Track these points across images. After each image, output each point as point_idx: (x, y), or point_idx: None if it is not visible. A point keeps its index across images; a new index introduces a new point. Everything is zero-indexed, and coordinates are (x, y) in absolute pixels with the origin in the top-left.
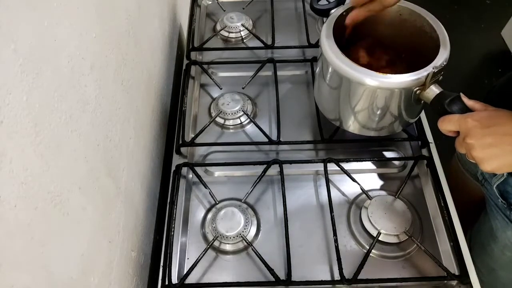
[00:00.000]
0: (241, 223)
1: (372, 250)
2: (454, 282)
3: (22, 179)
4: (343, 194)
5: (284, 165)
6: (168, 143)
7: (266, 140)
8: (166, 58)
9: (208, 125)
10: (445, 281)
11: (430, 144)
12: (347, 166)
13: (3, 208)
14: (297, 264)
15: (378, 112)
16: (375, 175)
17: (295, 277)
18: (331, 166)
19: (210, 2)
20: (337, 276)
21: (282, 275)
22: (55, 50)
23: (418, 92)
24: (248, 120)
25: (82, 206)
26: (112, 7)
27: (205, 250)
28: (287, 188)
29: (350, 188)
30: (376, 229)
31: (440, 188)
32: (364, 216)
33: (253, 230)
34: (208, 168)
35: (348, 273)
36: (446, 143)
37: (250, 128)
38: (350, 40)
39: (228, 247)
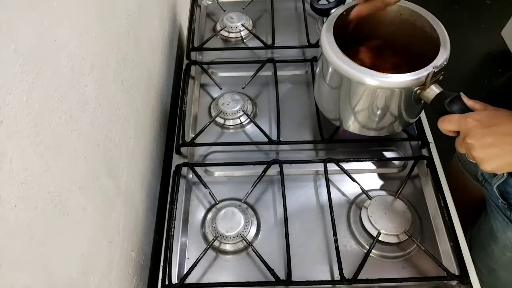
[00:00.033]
0: (241, 223)
1: (372, 250)
2: (454, 282)
3: (22, 179)
4: (343, 194)
5: (284, 165)
6: (168, 143)
7: (266, 140)
8: (166, 58)
9: (208, 125)
10: (445, 281)
11: (430, 144)
12: (347, 166)
13: (3, 208)
14: (297, 264)
15: (378, 112)
16: (375, 175)
17: (295, 277)
18: (331, 166)
19: (210, 2)
20: (337, 276)
21: (282, 275)
22: (55, 50)
23: (418, 92)
24: (248, 120)
25: (82, 206)
26: (112, 7)
27: (205, 250)
28: (287, 188)
29: (350, 188)
30: (376, 229)
31: (440, 188)
32: (364, 216)
33: (253, 230)
34: (208, 168)
35: (348, 273)
36: (446, 143)
37: (250, 128)
38: (351, 42)
39: (228, 247)
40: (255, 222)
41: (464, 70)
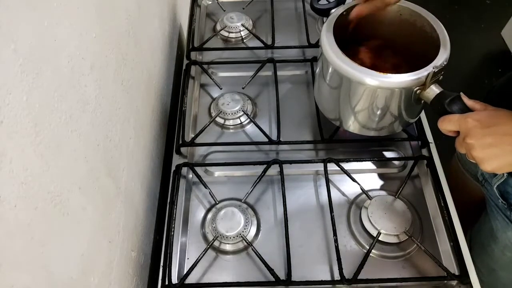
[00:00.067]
0: (241, 223)
1: (372, 250)
2: (454, 282)
3: (22, 179)
4: (343, 194)
5: (284, 165)
6: (168, 143)
7: (266, 140)
8: (166, 58)
9: (208, 125)
10: (445, 281)
11: (430, 144)
12: (347, 166)
13: (3, 208)
14: (297, 264)
15: (378, 112)
16: (375, 175)
17: (295, 277)
18: (331, 166)
19: (210, 2)
20: (337, 276)
21: (282, 275)
22: (55, 50)
23: (418, 92)
24: (248, 120)
25: (82, 206)
26: (112, 7)
27: (205, 250)
28: (287, 188)
29: (350, 188)
30: (376, 229)
31: (440, 188)
32: (364, 216)
33: (253, 230)
34: (208, 168)
35: (348, 273)
36: (446, 143)
37: (250, 128)
38: (351, 42)
39: (228, 247)
40: (255, 222)
41: (464, 70)
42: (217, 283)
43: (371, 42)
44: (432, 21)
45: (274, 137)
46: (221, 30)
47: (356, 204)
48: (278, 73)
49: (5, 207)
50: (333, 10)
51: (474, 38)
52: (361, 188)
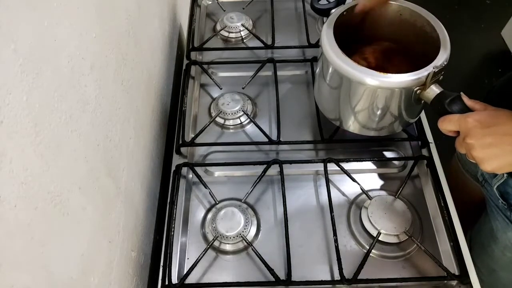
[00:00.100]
0: (241, 223)
1: (372, 250)
2: (454, 282)
3: (22, 179)
4: (343, 194)
5: (284, 165)
6: (168, 143)
7: (266, 140)
8: (166, 58)
9: (208, 125)
10: (445, 281)
11: (430, 144)
12: (347, 166)
13: (3, 208)
14: (297, 264)
15: (378, 112)
16: (375, 175)
17: (295, 277)
18: (331, 166)
19: (210, 2)
20: (337, 276)
21: (282, 275)
22: (55, 50)
23: (418, 92)
24: (248, 120)
25: (82, 206)
26: (112, 7)
27: (205, 250)
28: (287, 188)
29: (350, 188)
30: (376, 229)
31: (440, 188)
32: (364, 216)
33: (253, 230)
34: (208, 168)
35: (348, 273)
36: (446, 143)
37: (250, 128)
38: (351, 42)
39: (228, 247)
40: (255, 222)
41: (464, 70)
42: (217, 283)
43: (371, 42)
44: (432, 21)
45: (274, 137)
46: (221, 30)
47: (356, 204)
48: (278, 73)
49: (5, 207)
50: (333, 10)
51: (474, 38)
52: (361, 188)
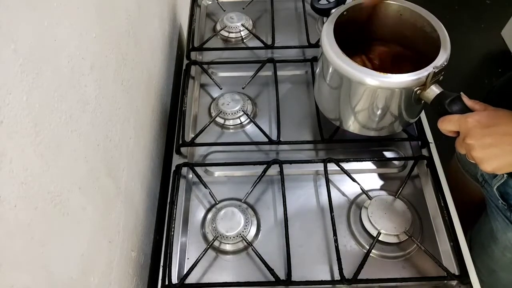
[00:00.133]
0: (241, 223)
1: (372, 250)
2: (454, 282)
3: (22, 179)
4: (343, 194)
5: (284, 165)
6: (168, 143)
7: (266, 140)
8: (166, 58)
9: (208, 125)
10: (445, 281)
11: (430, 144)
12: (347, 166)
13: (3, 208)
14: (297, 264)
15: (378, 112)
16: (375, 175)
17: (295, 277)
18: (331, 166)
19: (210, 2)
20: (337, 276)
21: (282, 275)
22: (55, 50)
23: (418, 92)
24: (248, 120)
25: (82, 206)
26: (112, 7)
27: (205, 250)
28: (287, 188)
29: (350, 188)
30: (376, 229)
31: (440, 188)
32: (364, 216)
33: (253, 230)
34: (208, 168)
35: (348, 273)
36: (446, 143)
37: (250, 128)
38: (351, 42)
39: (228, 247)
40: (255, 222)
41: (464, 70)
42: (217, 283)
43: (371, 42)
44: (433, 21)
45: (274, 137)
46: (221, 30)
47: (356, 204)
48: (278, 73)
49: (5, 207)
50: (333, 10)
51: (474, 38)
52: (361, 188)
